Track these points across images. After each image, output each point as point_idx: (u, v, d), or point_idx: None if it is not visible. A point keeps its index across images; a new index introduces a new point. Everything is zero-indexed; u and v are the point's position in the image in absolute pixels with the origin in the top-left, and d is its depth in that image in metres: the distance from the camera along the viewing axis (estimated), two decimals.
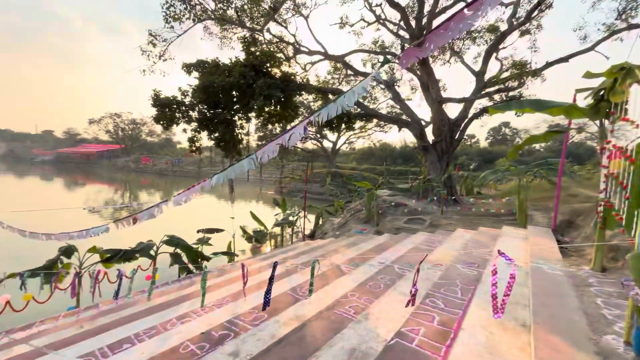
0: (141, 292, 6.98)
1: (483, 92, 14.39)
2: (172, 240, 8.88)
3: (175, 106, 12.71)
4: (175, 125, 13.09)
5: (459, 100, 13.91)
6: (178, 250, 9.01)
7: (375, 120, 31.74)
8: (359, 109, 16.91)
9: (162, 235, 9.04)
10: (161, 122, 12.92)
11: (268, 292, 3.37)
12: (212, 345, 3.34)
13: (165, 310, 4.91)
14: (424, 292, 4.02)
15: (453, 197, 13.12)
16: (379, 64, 19.14)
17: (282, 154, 26.93)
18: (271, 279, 3.39)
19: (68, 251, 7.76)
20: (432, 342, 2.79)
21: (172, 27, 13.14)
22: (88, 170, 62.15)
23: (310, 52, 16.04)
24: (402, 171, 40.74)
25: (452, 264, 5.22)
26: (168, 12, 12.69)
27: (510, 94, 14.98)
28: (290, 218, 14.00)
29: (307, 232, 13.28)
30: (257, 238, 12.86)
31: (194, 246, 9.60)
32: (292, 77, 13.70)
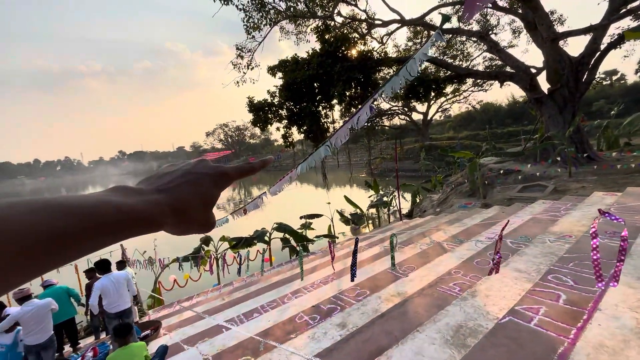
0: (262, 271, 8.18)
1: (622, 10, 10.87)
2: (281, 227, 10.04)
3: (266, 108, 14.03)
4: (269, 125, 14.47)
5: (583, 31, 10.91)
6: (287, 235, 10.16)
7: (470, 80, 27.91)
8: (448, 71, 15.19)
9: (272, 223, 10.34)
10: (258, 125, 14.48)
11: (353, 265, 3.54)
12: (323, 317, 3.73)
13: (282, 287, 5.67)
14: (545, 268, 3.49)
15: (585, 154, 10.55)
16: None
17: (369, 135, 26.52)
18: (354, 253, 3.54)
19: (207, 240, 9.72)
20: (556, 322, 2.45)
21: (253, 37, 14.42)
22: None
23: (385, 23, 15.14)
24: (513, 132, 34.78)
25: (585, 235, 4.32)
26: (248, 24, 13.95)
27: None
28: (385, 199, 13.87)
29: (404, 211, 12.94)
30: (354, 220, 13.27)
31: (299, 231, 10.62)
32: (369, 54, 13.27)
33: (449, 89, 26.43)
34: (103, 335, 5.81)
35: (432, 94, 15.47)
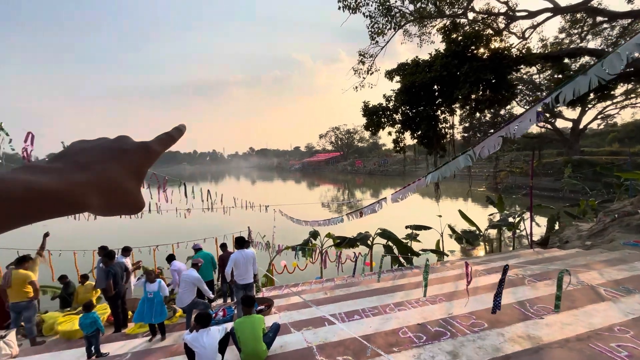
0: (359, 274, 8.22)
1: None
2: (384, 233, 9.85)
3: (381, 112, 13.96)
4: (381, 129, 14.38)
5: None
6: (389, 243, 9.89)
7: None
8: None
9: (375, 228, 10.25)
10: (370, 129, 14.57)
11: (498, 294, 3.11)
12: (429, 339, 3.45)
13: (383, 295, 5.55)
14: None
15: None
16: None
17: None
18: (501, 282, 3.10)
19: (314, 235, 10.44)
20: None
21: (376, 42, 14.57)
22: (320, 174, 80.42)
23: (532, 14, 12.86)
24: None
25: None
26: (373, 30, 14.17)
27: None
28: (510, 219, 11.83)
29: (536, 237, 10.72)
30: (467, 239, 11.81)
31: (404, 241, 10.17)
32: (505, 52, 11.54)
33: (618, 89, 20.46)
34: (229, 300, 6.98)
35: (591, 95, 12.25)
